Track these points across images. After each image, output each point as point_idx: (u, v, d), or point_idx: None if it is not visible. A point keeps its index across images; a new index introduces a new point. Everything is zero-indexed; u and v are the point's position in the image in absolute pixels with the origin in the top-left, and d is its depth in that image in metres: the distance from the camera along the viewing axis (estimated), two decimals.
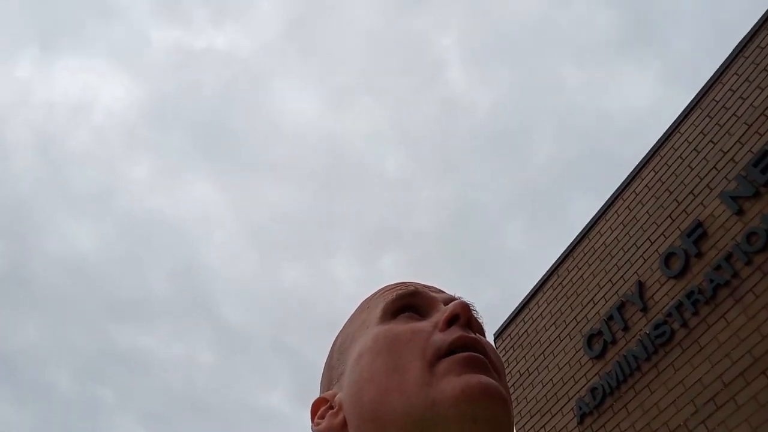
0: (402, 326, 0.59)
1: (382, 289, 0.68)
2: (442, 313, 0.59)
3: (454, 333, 0.56)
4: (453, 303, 0.59)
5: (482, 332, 0.65)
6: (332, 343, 0.70)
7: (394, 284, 0.68)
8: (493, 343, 0.65)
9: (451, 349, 0.55)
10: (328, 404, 0.62)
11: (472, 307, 0.65)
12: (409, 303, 0.63)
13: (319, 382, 0.69)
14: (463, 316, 0.58)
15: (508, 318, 7.36)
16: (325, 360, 0.70)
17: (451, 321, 0.58)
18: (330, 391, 0.64)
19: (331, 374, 0.66)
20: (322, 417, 0.61)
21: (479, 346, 0.56)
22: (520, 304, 7.25)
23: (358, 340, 0.62)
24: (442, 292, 0.67)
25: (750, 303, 4.62)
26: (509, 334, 7.24)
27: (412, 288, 0.65)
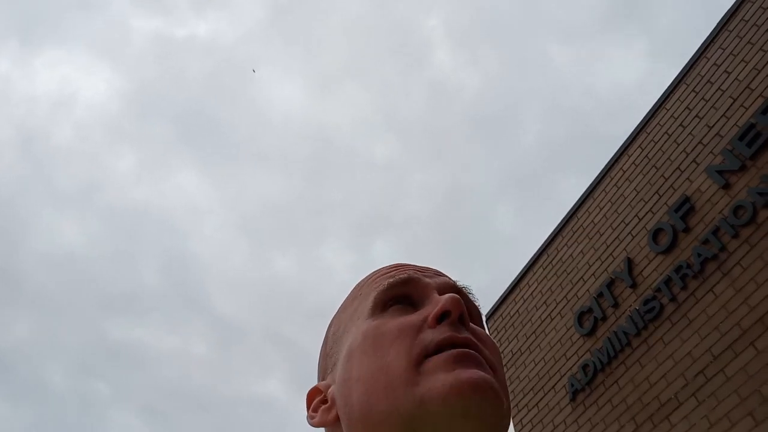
0: (390, 322, 0.56)
1: (375, 273, 0.66)
2: (434, 305, 0.56)
3: (443, 332, 0.54)
4: (444, 297, 0.56)
5: (479, 317, 0.63)
6: (327, 329, 0.68)
7: (388, 268, 0.65)
8: (486, 328, 0.62)
9: (438, 349, 0.53)
10: (322, 396, 0.61)
11: (468, 291, 0.63)
12: (400, 293, 0.60)
13: (317, 367, 0.68)
14: (455, 313, 0.55)
15: (499, 299, 7.39)
16: (321, 346, 0.68)
17: (442, 317, 0.55)
18: (324, 381, 0.62)
19: (326, 362, 0.64)
20: (316, 410, 0.60)
21: (472, 344, 0.54)
22: (510, 284, 7.28)
23: (349, 332, 0.60)
24: (440, 275, 0.64)
25: (738, 276, 4.66)
26: (501, 315, 7.28)
27: (404, 275, 0.61)
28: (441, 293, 0.59)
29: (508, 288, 7.31)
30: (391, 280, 0.61)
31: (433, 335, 0.54)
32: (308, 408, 0.62)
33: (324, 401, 0.60)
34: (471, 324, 0.57)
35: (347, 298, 0.67)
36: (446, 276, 0.64)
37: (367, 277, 0.67)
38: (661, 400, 4.88)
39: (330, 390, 0.60)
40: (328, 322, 0.68)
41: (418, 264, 0.66)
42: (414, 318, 0.56)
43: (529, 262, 7.12)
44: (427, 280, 0.61)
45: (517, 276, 7.22)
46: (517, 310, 7.01)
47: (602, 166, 6.54)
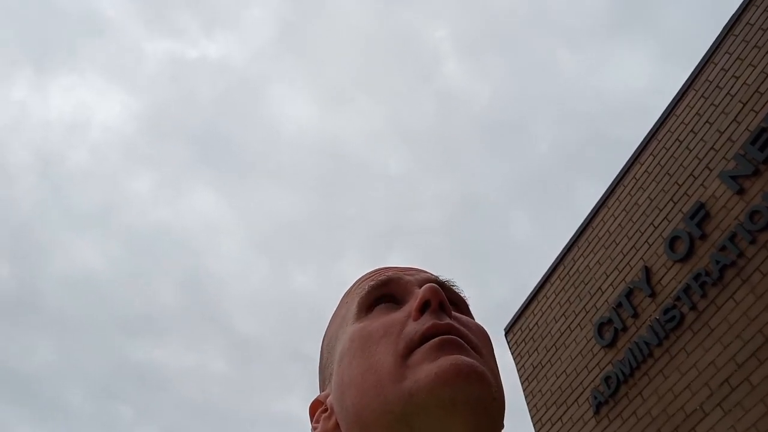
0: (375, 322, 0.57)
1: (359, 279, 0.67)
2: (416, 298, 0.57)
3: (426, 322, 0.54)
4: (423, 288, 0.56)
5: (465, 306, 0.63)
6: (321, 341, 0.69)
7: (369, 273, 0.66)
8: (473, 317, 0.64)
9: (422, 339, 0.53)
10: (323, 407, 0.62)
11: (451, 284, 0.64)
12: (383, 293, 0.61)
13: (317, 381, 0.69)
14: (434, 301, 0.55)
15: (517, 312, 7.36)
16: (318, 360, 0.69)
17: (424, 308, 0.55)
18: (324, 393, 0.63)
19: (324, 374, 0.65)
20: (318, 420, 0.61)
21: (454, 330, 0.54)
22: (528, 297, 7.25)
23: (339, 339, 0.61)
24: (421, 271, 0.65)
25: (757, 282, 4.61)
26: (519, 328, 7.24)
27: (383, 278, 0.62)
28: (422, 287, 0.59)
29: (525, 301, 7.27)
30: (372, 283, 0.62)
31: (416, 326, 0.54)
32: (311, 420, 0.63)
33: (325, 410, 0.61)
34: (455, 313, 0.58)
35: (336, 308, 0.68)
36: (428, 272, 0.65)
37: (352, 284, 0.68)
38: (686, 411, 4.82)
39: (328, 399, 0.61)
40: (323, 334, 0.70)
41: (402, 266, 0.67)
42: (398, 314, 0.57)
43: (545, 274, 7.09)
44: (408, 277, 0.62)
45: (534, 288, 7.18)
46: (536, 323, 6.97)
47: (617, 171, 6.50)
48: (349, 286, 0.69)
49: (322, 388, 0.65)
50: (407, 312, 0.57)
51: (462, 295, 0.64)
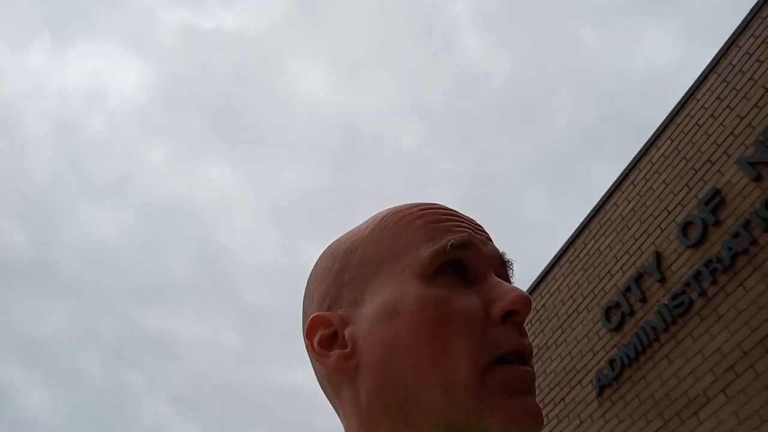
0: (453, 302, 0.51)
1: (418, 209, 0.57)
2: (493, 290, 0.52)
3: (512, 337, 0.51)
4: (514, 294, 0.51)
5: (510, 273, 0.60)
6: (339, 246, 0.59)
7: (437, 210, 0.57)
8: None
9: (506, 355, 0.51)
10: (332, 331, 0.55)
11: (507, 258, 0.59)
12: (459, 257, 0.53)
13: (311, 289, 0.60)
14: (522, 315, 0.52)
15: (525, 292, 7.34)
16: (324, 263, 0.60)
17: (507, 314, 0.51)
18: (338, 313, 0.55)
19: (340, 290, 0.56)
20: (326, 348, 0.54)
21: (530, 357, 0.52)
22: (537, 278, 7.23)
23: (389, 280, 0.53)
24: (488, 239, 0.59)
25: None
26: None
27: (465, 236, 0.54)
28: (495, 271, 0.55)
29: (534, 281, 7.26)
30: (454, 241, 0.53)
31: (501, 339, 0.51)
32: (310, 336, 0.55)
33: (341, 343, 0.54)
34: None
35: (378, 224, 0.57)
36: (489, 237, 0.60)
37: (406, 210, 0.57)
38: (689, 396, 4.81)
39: (348, 331, 0.54)
40: (342, 239, 0.60)
41: (459, 213, 0.59)
42: (477, 306, 0.52)
43: (555, 255, 7.05)
44: (484, 249, 0.55)
45: (544, 269, 7.16)
46: (544, 304, 6.96)
47: (635, 150, 6.41)
48: (394, 209, 0.58)
49: (328, 303, 0.56)
50: (485, 306, 0.52)
51: (510, 275, 0.59)
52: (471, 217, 0.60)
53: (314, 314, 0.56)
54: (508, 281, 0.58)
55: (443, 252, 0.53)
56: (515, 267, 0.59)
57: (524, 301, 0.51)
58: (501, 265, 0.57)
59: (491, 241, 0.59)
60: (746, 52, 5.44)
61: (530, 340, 5.23)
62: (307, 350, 0.57)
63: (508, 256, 0.59)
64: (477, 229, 0.58)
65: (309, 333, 0.56)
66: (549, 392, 6.40)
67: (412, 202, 0.59)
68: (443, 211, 0.57)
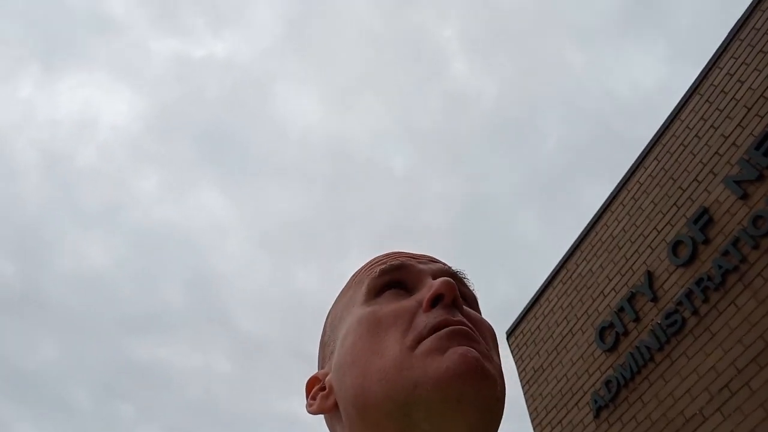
0: (385, 307, 0.56)
1: (369, 262, 0.65)
2: (428, 289, 0.56)
3: (438, 316, 0.53)
4: (438, 281, 0.55)
5: (474, 302, 0.62)
6: (325, 318, 0.68)
7: (381, 256, 0.65)
8: (493, 329, 0.62)
9: (432, 332, 0.52)
10: (321, 384, 0.61)
11: (463, 275, 0.63)
12: (394, 279, 0.60)
13: (316, 358, 0.68)
14: (448, 296, 0.54)
15: (519, 315, 7.34)
16: (320, 336, 0.68)
17: (436, 300, 0.54)
18: (323, 370, 0.63)
19: (324, 351, 0.64)
20: (314, 398, 0.60)
21: (464, 325, 0.53)
22: (530, 300, 7.24)
23: (345, 319, 0.60)
24: (435, 261, 0.64)
25: (759, 287, 4.59)
26: (521, 331, 7.22)
27: (397, 262, 0.61)
28: (435, 278, 0.58)
29: (527, 304, 7.26)
30: (384, 266, 0.60)
31: (427, 319, 0.53)
32: (307, 397, 0.62)
33: (322, 389, 0.60)
34: (466, 308, 0.57)
35: (344, 287, 0.67)
36: (441, 262, 0.64)
37: (362, 266, 0.66)
38: (686, 416, 4.80)
39: (328, 378, 0.60)
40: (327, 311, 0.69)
41: (414, 252, 0.65)
42: (409, 302, 0.56)
43: (548, 278, 7.07)
44: (421, 266, 0.61)
45: (537, 292, 7.17)
46: (538, 326, 6.96)
47: (625, 170, 6.47)
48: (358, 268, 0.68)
49: (321, 365, 0.64)
50: (418, 301, 0.56)
51: (472, 289, 0.63)
52: (429, 254, 0.66)
53: (308, 378, 0.63)
54: (462, 291, 0.61)
55: (376, 277, 0.60)
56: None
57: (445, 283, 0.54)
58: (450, 277, 0.60)
59: (438, 262, 0.64)
60: (727, 73, 5.55)
61: (527, 363, 5.18)
62: (306, 410, 0.62)
63: (457, 268, 0.63)
64: (418, 257, 0.63)
65: (306, 394, 0.62)
66: (546, 415, 6.36)
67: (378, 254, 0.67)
68: (394, 253, 0.64)
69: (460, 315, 0.54)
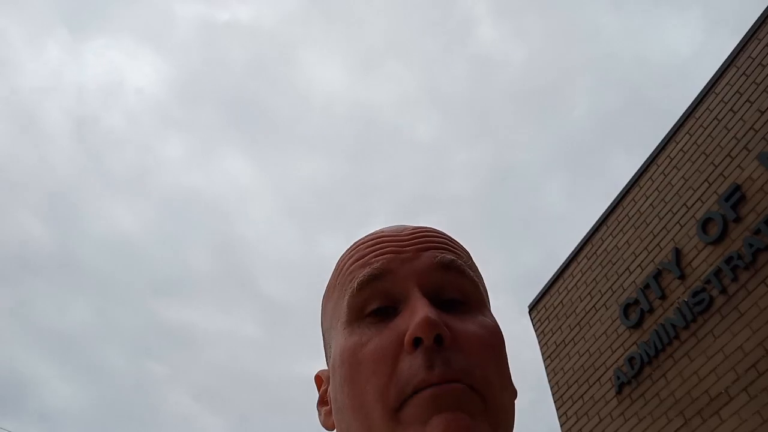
0: (366, 346, 0.51)
1: (351, 250, 0.59)
2: (411, 313, 0.50)
3: (418, 371, 0.48)
4: (416, 319, 0.49)
5: (474, 291, 0.55)
6: (321, 305, 0.63)
7: (360, 249, 0.57)
8: (487, 296, 0.59)
9: (416, 390, 0.48)
10: (324, 390, 0.61)
11: (457, 262, 0.55)
12: (375, 292, 0.53)
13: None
14: (427, 339, 0.48)
15: (542, 289, 7.31)
16: (320, 321, 0.64)
17: (416, 341, 0.49)
18: (325, 372, 0.62)
19: (325, 346, 0.62)
20: (323, 404, 0.61)
21: (449, 376, 0.48)
22: (554, 275, 7.19)
23: (333, 335, 0.57)
24: (422, 243, 0.56)
25: None
26: (544, 305, 7.20)
27: (375, 270, 0.54)
28: (421, 285, 0.53)
29: (551, 279, 7.22)
30: (362, 278, 0.54)
31: (409, 373, 0.48)
32: (318, 390, 0.63)
33: (325, 402, 0.60)
34: (456, 325, 0.51)
35: (330, 278, 0.61)
36: (431, 242, 0.57)
37: (345, 252, 0.60)
38: (710, 395, 4.76)
39: (328, 391, 0.59)
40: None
41: (404, 230, 0.58)
42: (390, 341, 0.50)
43: (572, 252, 7.01)
44: (406, 268, 0.54)
45: (561, 267, 7.12)
46: (561, 301, 6.93)
47: (655, 140, 6.32)
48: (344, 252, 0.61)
49: (326, 360, 0.63)
50: (399, 338, 0.50)
51: (469, 273, 0.56)
52: (419, 225, 0.59)
53: (316, 373, 0.64)
54: (457, 283, 0.54)
55: (354, 295, 0.54)
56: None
57: (423, 325, 0.48)
58: (439, 271, 0.54)
59: (434, 249, 0.56)
60: (766, 44, 5.34)
61: (549, 337, 5.16)
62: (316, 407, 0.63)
63: (449, 256, 0.55)
64: (403, 246, 0.56)
65: (317, 387, 0.63)
66: (567, 389, 6.37)
67: (363, 236, 0.60)
68: (373, 241, 0.57)
69: (447, 352, 0.49)
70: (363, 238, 0.59)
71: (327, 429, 0.58)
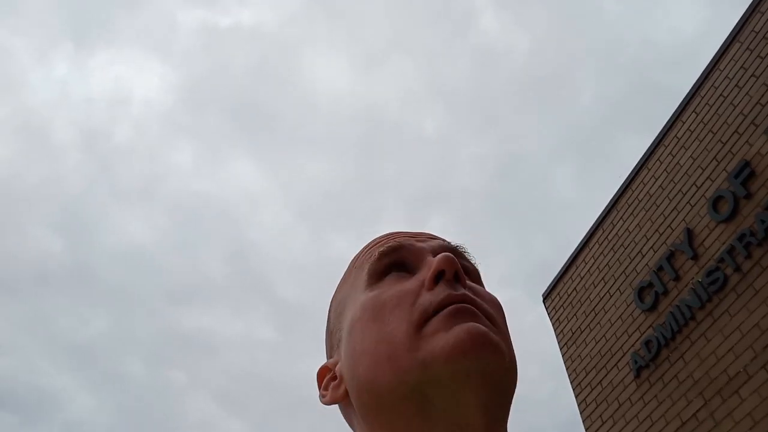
0: (388, 291, 0.56)
1: (368, 245, 0.65)
2: (429, 266, 0.56)
3: (441, 293, 0.53)
4: (438, 257, 0.55)
5: (477, 275, 0.62)
6: (329, 304, 0.67)
7: (379, 238, 0.65)
8: (498, 301, 0.63)
9: (437, 310, 0.52)
10: (332, 374, 0.61)
11: (463, 250, 0.63)
12: (394, 260, 0.59)
13: (324, 347, 0.68)
14: (449, 271, 0.54)
15: (555, 278, 7.27)
16: (325, 325, 0.68)
17: (438, 278, 0.54)
18: (332, 359, 0.62)
19: (331, 340, 0.64)
20: (327, 388, 0.61)
21: (468, 299, 0.53)
22: (566, 262, 7.15)
23: (349, 306, 0.60)
24: (433, 237, 0.64)
25: None
26: (558, 294, 7.17)
27: (394, 243, 0.61)
28: (435, 255, 0.58)
29: (563, 267, 7.18)
30: (382, 249, 0.60)
31: (431, 297, 0.53)
32: (319, 387, 0.62)
33: (333, 378, 0.60)
34: (469, 282, 0.57)
35: (344, 273, 0.66)
36: (440, 239, 0.64)
37: (361, 250, 0.66)
38: (729, 374, 4.72)
39: (338, 367, 0.60)
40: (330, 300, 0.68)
41: (412, 230, 0.65)
42: (411, 283, 0.56)
43: (583, 239, 6.97)
44: (420, 244, 0.61)
45: (572, 254, 7.08)
46: (575, 288, 6.89)
47: (663, 122, 6.24)
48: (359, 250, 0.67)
49: (330, 354, 0.64)
50: (420, 281, 0.55)
51: (474, 262, 0.63)
52: (427, 231, 0.65)
53: (319, 368, 0.64)
54: (463, 265, 0.60)
55: (375, 261, 0.60)
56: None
57: (444, 259, 0.54)
58: (449, 252, 0.60)
59: (437, 238, 0.64)
60: None
61: (564, 324, 5.15)
62: (319, 400, 0.62)
63: (456, 243, 0.63)
64: (416, 236, 0.63)
65: (318, 385, 0.63)
66: (585, 376, 6.33)
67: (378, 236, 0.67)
68: (392, 234, 0.64)
69: (463, 289, 0.54)
70: (378, 237, 0.66)
71: (336, 402, 0.60)
